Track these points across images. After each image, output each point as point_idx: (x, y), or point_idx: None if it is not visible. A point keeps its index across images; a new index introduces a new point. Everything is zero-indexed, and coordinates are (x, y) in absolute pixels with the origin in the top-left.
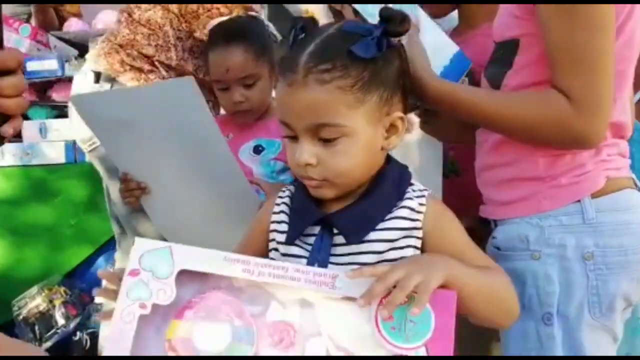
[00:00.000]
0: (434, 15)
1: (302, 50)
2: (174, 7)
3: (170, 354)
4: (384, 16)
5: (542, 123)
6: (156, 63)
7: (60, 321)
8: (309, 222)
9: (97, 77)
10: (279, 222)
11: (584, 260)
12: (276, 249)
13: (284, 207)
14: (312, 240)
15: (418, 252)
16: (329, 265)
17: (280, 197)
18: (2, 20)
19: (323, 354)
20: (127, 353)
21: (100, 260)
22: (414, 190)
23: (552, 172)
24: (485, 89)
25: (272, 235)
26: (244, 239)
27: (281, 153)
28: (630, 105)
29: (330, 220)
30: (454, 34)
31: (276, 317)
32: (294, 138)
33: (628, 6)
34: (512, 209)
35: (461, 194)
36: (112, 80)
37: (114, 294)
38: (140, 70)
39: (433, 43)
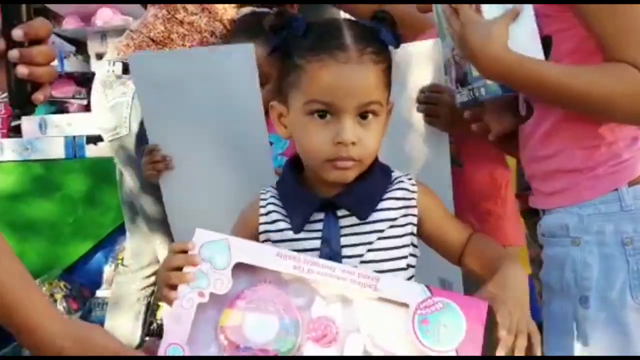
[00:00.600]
0: (422, 11)
1: (337, 33)
2: (223, 16)
3: (222, 339)
4: (380, 17)
5: (621, 97)
6: None
7: (62, 314)
8: (314, 207)
9: (125, 67)
10: (271, 222)
11: (624, 245)
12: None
13: (272, 207)
14: (317, 226)
15: (415, 228)
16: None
17: (263, 199)
18: None
19: (361, 351)
20: (185, 336)
21: (99, 255)
22: (399, 175)
23: (590, 164)
24: (552, 63)
25: (265, 237)
26: None
27: (288, 149)
28: None
29: (335, 202)
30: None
31: (320, 312)
32: (325, 119)
33: None
34: (554, 199)
35: (464, 184)
36: None
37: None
38: None
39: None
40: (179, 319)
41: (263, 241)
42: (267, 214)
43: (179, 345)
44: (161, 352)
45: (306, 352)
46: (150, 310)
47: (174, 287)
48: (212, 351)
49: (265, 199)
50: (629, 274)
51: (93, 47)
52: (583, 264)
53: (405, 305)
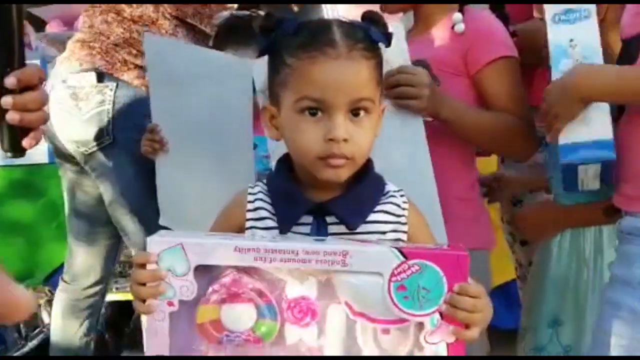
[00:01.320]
0: (388, 12)
1: (327, 30)
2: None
3: (203, 337)
4: (369, 17)
5: None
6: None
7: (46, 320)
8: (303, 210)
9: (100, 76)
10: (258, 219)
11: None
12: None
13: (260, 204)
14: (304, 229)
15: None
16: None
17: (252, 193)
18: (22, 39)
19: (343, 319)
20: (167, 347)
21: None
22: (392, 189)
23: None
24: None
25: (251, 232)
26: None
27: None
28: None
29: (325, 208)
30: (410, 35)
31: (294, 292)
32: (316, 116)
33: None
34: (636, 204)
35: None
36: (116, 79)
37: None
38: (142, 68)
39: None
40: (156, 332)
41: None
42: (254, 209)
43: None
44: None
45: (287, 334)
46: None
47: (144, 301)
48: (196, 351)
49: (253, 194)
50: None
51: None
52: None
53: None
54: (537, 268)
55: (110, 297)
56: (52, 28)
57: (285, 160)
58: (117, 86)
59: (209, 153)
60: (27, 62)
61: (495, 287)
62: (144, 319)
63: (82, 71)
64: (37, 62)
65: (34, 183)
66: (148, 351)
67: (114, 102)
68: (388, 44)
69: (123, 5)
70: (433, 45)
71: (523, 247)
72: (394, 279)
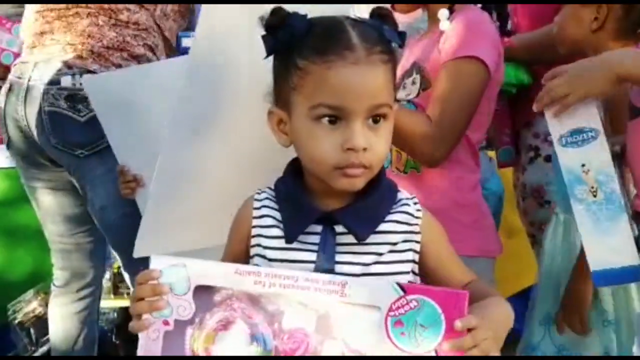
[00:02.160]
0: (399, 11)
1: (342, 33)
2: (152, 7)
3: None
4: (380, 13)
5: None
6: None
7: None
8: (311, 219)
9: None
10: (264, 227)
11: None
12: (262, 255)
13: (266, 211)
14: (311, 239)
15: (417, 256)
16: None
17: (258, 200)
18: None
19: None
20: None
21: None
22: (405, 196)
23: None
24: None
25: (256, 241)
26: (227, 249)
27: None
28: None
29: (335, 218)
30: (424, 35)
31: (291, 323)
32: (335, 124)
33: None
34: None
35: (423, 189)
36: None
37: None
38: None
39: None
40: (149, 351)
41: (253, 245)
42: (260, 217)
43: None
44: None
45: None
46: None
47: (140, 317)
48: None
49: (259, 200)
50: None
51: None
52: None
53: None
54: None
55: (121, 302)
56: None
57: (294, 165)
58: None
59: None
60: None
61: (518, 292)
62: (140, 337)
63: (75, 74)
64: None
65: None
66: None
67: None
68: (402, 44)
69: (121, 8)
70: (428, 45)
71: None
72: (391, 313)
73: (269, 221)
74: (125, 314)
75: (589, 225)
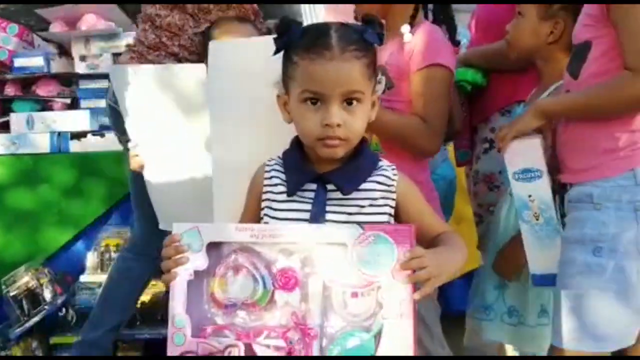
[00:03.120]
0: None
1: (325, 35)
2: (188, 7)
3: (214, 304)
4: (366, 20)
5: (617, 102)
6: (182, 60)
7: (48, 297)
8: (308, 178)
9: None
10: (273, 185)
11: (636, 211)
12: (270, 207)
13: (274, 173)
14: (308, 194)
15: (392, 210)
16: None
17: (268, 165)
18: None
19: (321, 286)
20: (183, 307)
21: (80, 245)
22: (385, 164)
23: (613, 148)
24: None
25: (266, 196)
26: (246, 205)
27: None
28: None
29: (326, 177)
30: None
31: (282, 265)
32: (316, 105)
33: None
34: (582, 175)
35: None
36: None
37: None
38: None
39: None
40: (179, 296)
41: (264, 200)
42: (270, 178)
43: (181, 315)
44: (170, 322)
45: (277, 298)
46: None
47: (169, 272)
48: (205, 311)
49: (270, 165)
50: (637, 232)
51: (77, 50)
52: (601, 223)
53: (345, 244)
54: (487, 239)
55: None
56: (55, 28)
57: (297, 140)
58: None
59: (175, 153)
60: (30, 58)
61: (463, 274)
62: (171, 285)
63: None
64: (41, 58)
65: (37, 171)
66: (171, 311)
67: None
68: (380, 43)
69: (154, 15)
70: (392, 51)
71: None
72: (355, 247)
73: (276, 180)
74: None
75: (532, 240)
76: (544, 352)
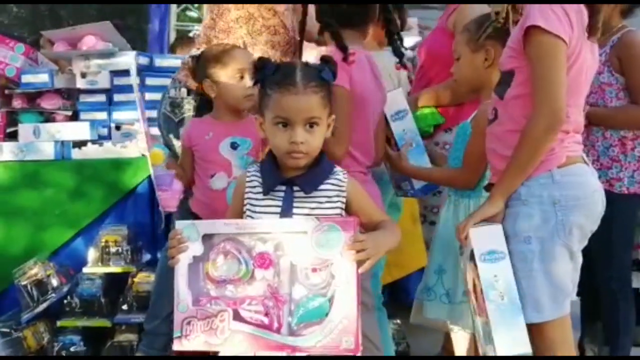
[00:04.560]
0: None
1: (292, 74)
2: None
3: (209, 281)
4: (325, 59)
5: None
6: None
7: (54, 286)
8: (278, 181)
9: (188, 90)
10: (253, 187)
11: (554, 204)
12: (250, 204)
13: (254, 177)
14: (279, 194)
15: (344, 205)
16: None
17: (249, 171)
18: None
19: (288, 266)
20: (186, 283)
21: (80, 242)
22: (339, 170)
23: None
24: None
25: (247, 195)
26: (232, 203)
27: (251, 150)
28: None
29: (292, 181)
30: None
31: (259, 249)
32: (285, 127)
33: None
34: None
35: None
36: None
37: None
38: None
39: None
40: (179, 276)
41: (245, 199)
42: (250, 180)
43: (184, 290)
44: (175, 295)
45: (256, 275)
46: None
47: (173, 258)
48: (201, 288)
49: (250, 172)
50: (556, 222)
51: (78, 67)
52: (529, 215)
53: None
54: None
55: (106, 269)
56: (58, 48)
57: (271, 152)
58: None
59: None
60: (35, 75)
61: (419, 269)
62: (176, 268)
63: (181, 87)
64: (46, 75)
65: (42, 176)
66: (176, 287)
67: (193, 109)
68: (333, 80)
69: (217, 19)
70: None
71: (431, 226)
72: (314, 234)
73: (255, 183)
74: (110, 279)
75: (498, 319)
76: (470, 329)
